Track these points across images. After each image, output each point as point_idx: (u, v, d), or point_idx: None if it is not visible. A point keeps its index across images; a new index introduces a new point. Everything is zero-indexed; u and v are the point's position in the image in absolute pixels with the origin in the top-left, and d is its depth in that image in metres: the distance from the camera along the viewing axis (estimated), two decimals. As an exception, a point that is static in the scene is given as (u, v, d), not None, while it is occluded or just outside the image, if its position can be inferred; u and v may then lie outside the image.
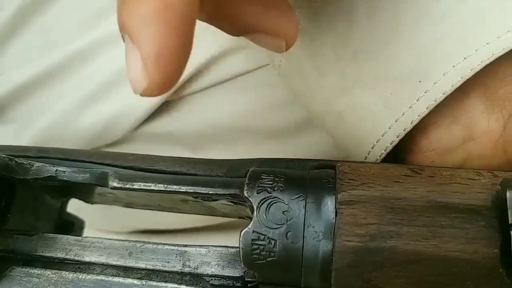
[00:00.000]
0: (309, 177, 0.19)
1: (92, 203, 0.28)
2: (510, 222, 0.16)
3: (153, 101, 0.31)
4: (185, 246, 0.21)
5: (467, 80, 0.20)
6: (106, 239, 0.22)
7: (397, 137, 0.22)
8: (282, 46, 0.19)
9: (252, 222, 0.18)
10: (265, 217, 0.18)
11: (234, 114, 0.31)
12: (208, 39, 0.29)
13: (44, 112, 0.33)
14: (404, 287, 0.17)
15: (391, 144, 0.22)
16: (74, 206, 0.29)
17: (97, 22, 0.32)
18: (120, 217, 0.38)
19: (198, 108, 0.32)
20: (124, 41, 0.14)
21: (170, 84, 0.14)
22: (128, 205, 0.28)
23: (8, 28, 0.33)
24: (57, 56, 0.32)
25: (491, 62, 0.20)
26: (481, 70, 0.20)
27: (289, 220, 0.18)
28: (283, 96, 0.31)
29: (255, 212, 0.18)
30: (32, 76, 0.33)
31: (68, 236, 0.22)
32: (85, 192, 0.27)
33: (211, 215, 0.27)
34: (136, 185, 0.21)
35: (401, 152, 0.23)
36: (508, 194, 0.16)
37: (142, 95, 0.14)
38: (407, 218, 0.17)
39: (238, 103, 0.31)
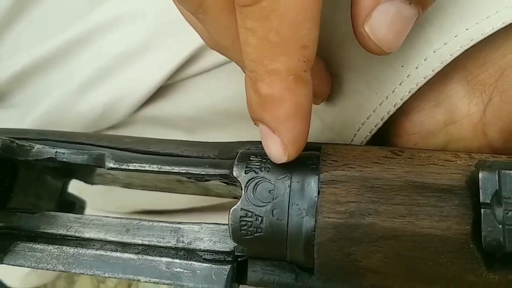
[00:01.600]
0: (295, 159, 0.20)
1: (92, 184, 0.30)
2: (481, 201, 0.17)
3: (150, 86, 0.32)
4: (179, 223, 0.22)
5: (449, 65, 0.21)
6: (104, 216, 0.23)
7: (381, 120, 0.23)
8: (318, 102, 0.24)
9: (240, 200, 0.19)
10: (252, 195, 0.19)
11: (229, 98, 0.32)
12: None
13: (44, 97, 0.34)
14: (381, 261, 0.18)
15: (375, 126, 0.23)
16: (76, 189, 0.30)
17: (93, 9, 0.32)
18: (119, 199, 0.39)
19: (194, 92, 0.32)
20: (259, 127, 0.19)
21: (299, 152, 0.19)
22: (127, 185, 0.29)
23: (6, 16, 0.34)
24: (55, 42, 0.33)
25: (472, 47, 0.20)
26: (462, 55, 0.20)
27: (275, 199, 0.19)
28: None
29: (243, 191, 0.19)
30: (31, 62, 0.33)
31: (69, 214, 0.23)
32: (85, 173, 0.28)
33: (205, 195, 0.28)
34: (132, 166, 0.22)
35: (387, 135, 0.24)
36: (480, 174, 0.17)
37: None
38: (385, 196, 0.18)
39: (233, 87, 0.31)
